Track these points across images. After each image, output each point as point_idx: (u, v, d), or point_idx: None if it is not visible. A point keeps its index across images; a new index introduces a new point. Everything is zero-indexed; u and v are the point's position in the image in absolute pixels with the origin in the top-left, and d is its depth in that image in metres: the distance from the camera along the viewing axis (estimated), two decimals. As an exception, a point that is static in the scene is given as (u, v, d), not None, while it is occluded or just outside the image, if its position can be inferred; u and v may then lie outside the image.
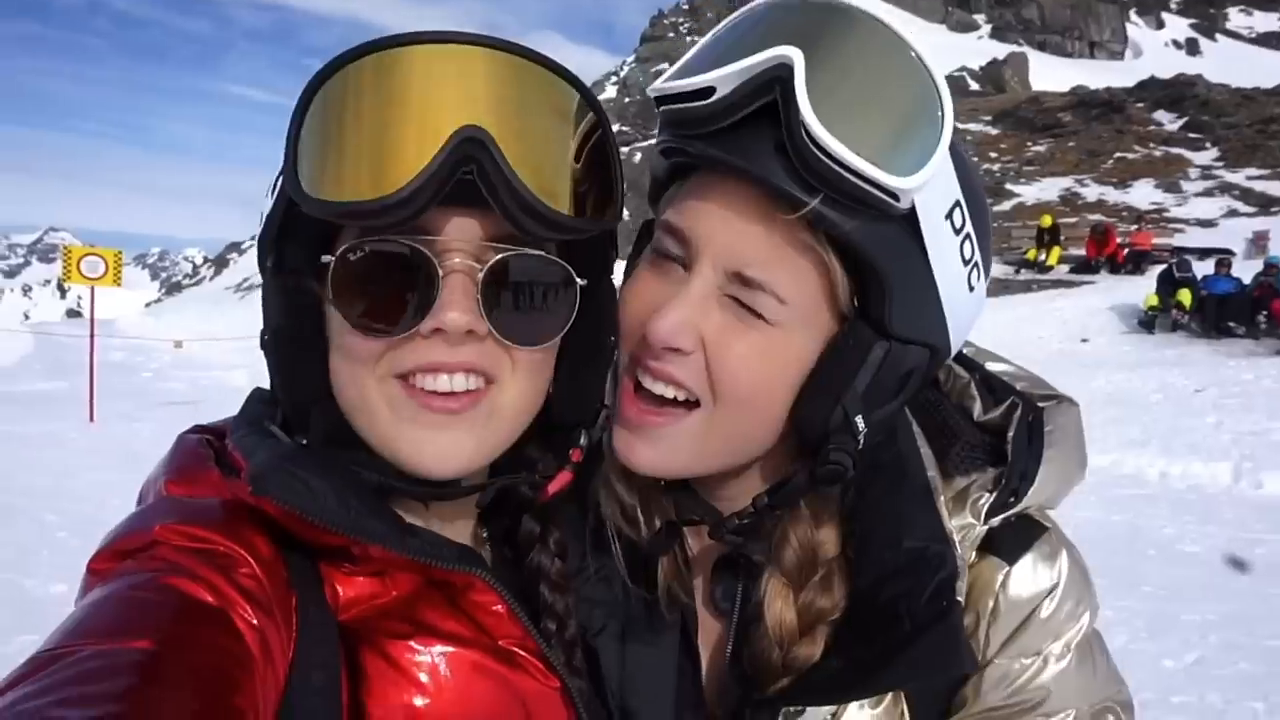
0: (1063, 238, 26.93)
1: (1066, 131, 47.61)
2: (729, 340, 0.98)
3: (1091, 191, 37.93)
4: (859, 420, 0.98)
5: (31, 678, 0.61)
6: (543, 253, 0.91)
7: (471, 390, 0.89)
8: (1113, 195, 37.06)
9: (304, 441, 0.92)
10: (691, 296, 0.98)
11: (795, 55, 0.87)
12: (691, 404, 1.01)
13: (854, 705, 1.03)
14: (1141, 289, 20.86)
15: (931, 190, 0.92)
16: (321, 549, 0.86)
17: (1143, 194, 36.51)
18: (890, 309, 0.95)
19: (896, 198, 0.89)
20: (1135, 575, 6.70)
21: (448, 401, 0.87)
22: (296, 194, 0.82)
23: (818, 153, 0.87)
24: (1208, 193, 35.49)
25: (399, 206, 0.79)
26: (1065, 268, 26.21)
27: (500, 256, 0.87)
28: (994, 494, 1.07)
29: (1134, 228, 28.03)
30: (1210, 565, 7.14)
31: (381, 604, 0.88)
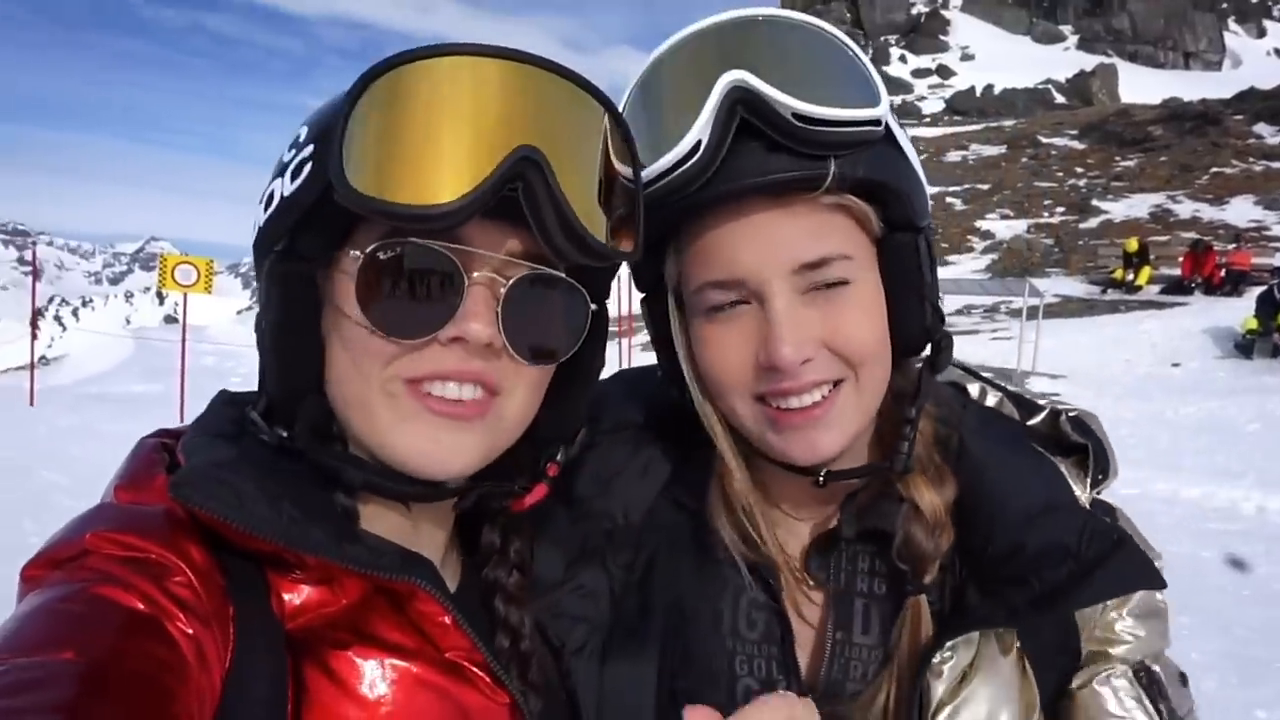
0: (1153, 256, 25.82)
1: (1158, 145, 45.74)
2: (837, 323, 1.05)
3: (1185, 208, 36.32)
4: (939, 303, 1.13)
5: None
6: (563, 274, 0.92)
7: (477, 399, 0.89)
8: (1208, 212, 35.41)
9: (284, 434, 0.90)
10: (783, 315, 1.03)
11: (740, 73, 0.98)
12: (837, 383, 1.08)
13: (995, 653, 1.08)
14: (1238, 311, 19.81)
15: (886, 105, 1.05)
16: (263, 557, 0.85)
17: (1240, 211, 34.79)
18: (912, 209, 1.08)
19: (879, 123, 1.03)
20: (1227, 617, 6.33)
21: (453, 406, 0.87)
22: (341, 186, 0.80)
23: (814, 130, 0.98)
24: (1312, 210, 33.60)
25: (447, 218, 0.80)
26: (1156, 288, 25.13)
27: (524, 274, 0.88)
28: (1088, 474, 1.17)
29: (1231, 246, 26.56)
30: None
31: (329, 613, 0.87)
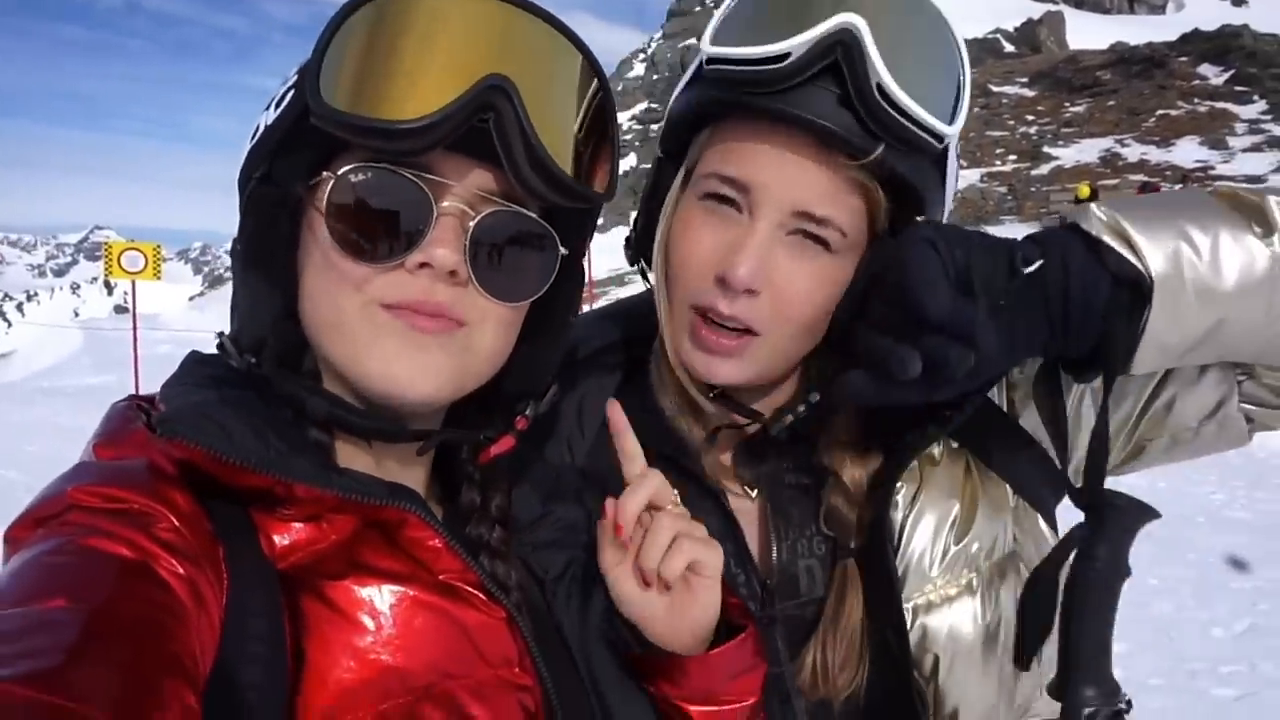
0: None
1: (1106, 90, 46.38)
2: (794, 278, 1.09)
3: (1133, 151, 36.95)
4: None
5: None
6: (534, 215, 0.92)
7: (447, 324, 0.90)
8: (1155, 155, 36.08)
9: (254, 360, 0.92)
10: (761, 240, 1.07)
11: (860, 22, 1.00)
12: (753, 333, 1.11)
13: (937, 470, 1.20)
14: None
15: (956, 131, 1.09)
16: (250, 496, 0.85)
17: (1187, 152, 35.51)
18: None
19: (941, 140, 1.06)
20: (1182, 542, 6.56)
21: (428, 321, 0.88)
22: (315, 102, 0.81)
23: (886, 106, 1.01)
24: (1256, 148, 34.39)
25: (415, 134, 0.81)
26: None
27: (494, 209, 0.89)
28: None
29: (1178, 187, 27.22)
30: (1263, 531, 6.97)
31: (320, 549, 0.87)
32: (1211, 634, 5.16)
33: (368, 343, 0.88)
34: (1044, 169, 35.13)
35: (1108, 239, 0.97)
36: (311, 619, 0.83)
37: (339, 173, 0.86)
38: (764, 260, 1.08)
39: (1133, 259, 0.96)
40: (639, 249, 1.28)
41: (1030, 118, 44.26)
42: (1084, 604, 1.02)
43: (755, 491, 1.28)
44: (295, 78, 0.90)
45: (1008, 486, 1.23)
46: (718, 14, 1.14)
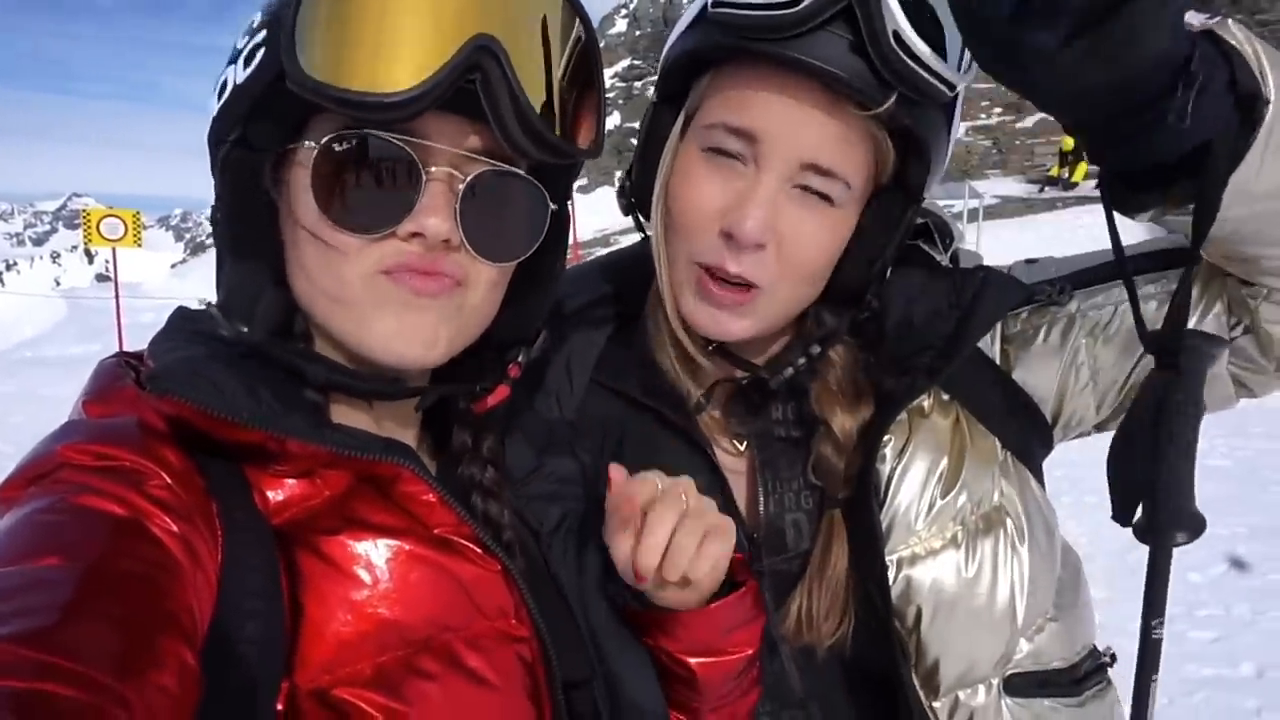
0: (1089, 153, 26.12)
1: (1093, 41, 45.84)
2: (800, 231, 1.09)
3: (1119, 103, 36.67)
4: (887, 272, 1.18)
5: None
6: (522, 172, 0.91)
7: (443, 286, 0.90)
8: (1142, 106, 35.81)
9: (244, 329, 0.90)
10: (768, 193, 1.06)
11: None
12: (757, 288, 1.12)
13: (928, 423, 1.20)
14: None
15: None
16: (243, 453, 0.85)
17: (1173, 103, 35.22)
18: (925, 179, 1.12)
19: (953, 88, 1.04)
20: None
21: (429, 282, 0.88)
22: (294, 72, 0.79)
23: (902, 54, 0.98)
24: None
25: (402, 106, 0.79)
26: (1092, 183, 25.45)
27: (482, 170, 0.88)
28: (937, 242, 1.29)
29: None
30: (1240, 479, 7.07)
31: (314, 505, 0.87)
32: (1188, 579, 5.28)
33: (370, 313, 0.88)
34: (1029, 121, 34.90)
35: (1242, 49, 0.89)
36: (307, 574, 0.83)
37: (322, 141, 0.84)
38: (771, 215, 1.07)
39: (1258, 76, 0.89)
40: (635, 198, 1.25)
41: (1016, 70, 43.84)
42: (1173, 444, 0.99)
43: (744, 445, 1.28)
44: (264, 34, 0.86)
45: (996, 440, 1.23)
46: None
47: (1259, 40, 0.93)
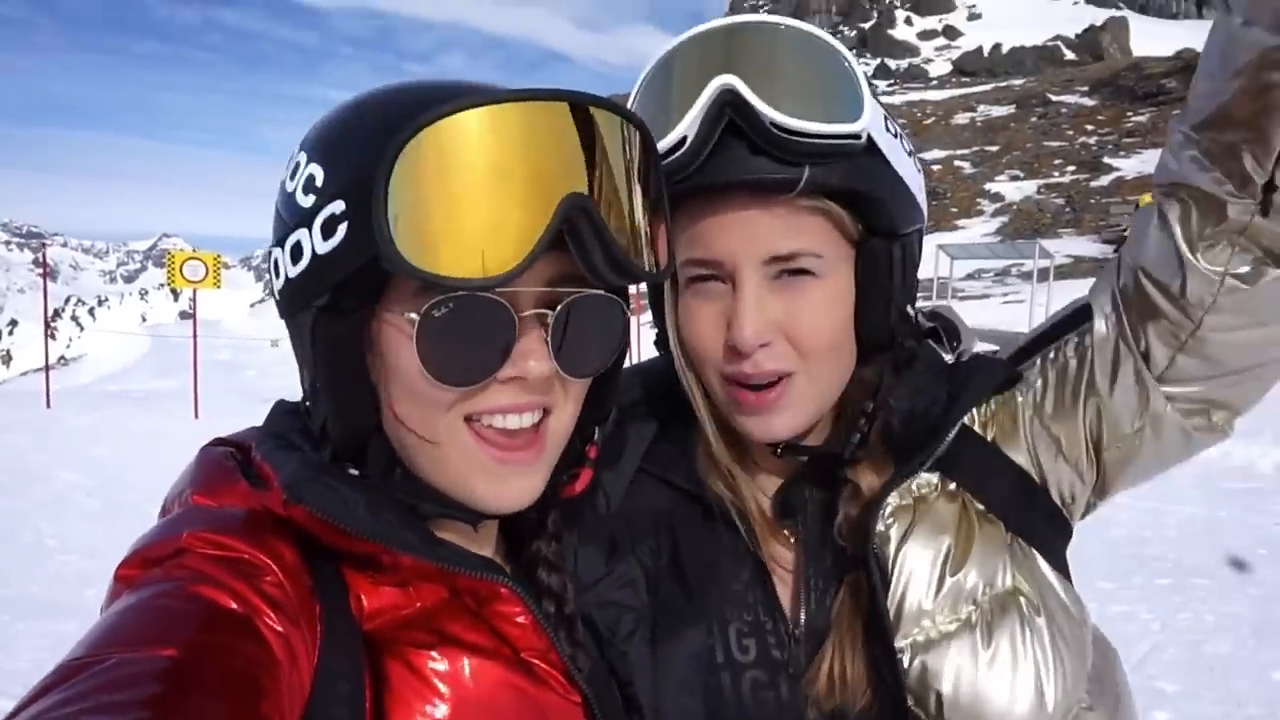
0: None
1: (1171, 99, 44.99)
2: (798, 311, 1.14)
3: (1200, 162, 35.69)
4: (909, 309, 1.23)
5: (58, 687, 0.62)
6: (602, 291, 0.93)
7: (535, 425, 0.92)
8: (1224, 165, 34.79)
9: (355, 473, 0.92)
10: (751, 299, 1.13)
11: (732, 79, 1.07)
12: (788, 375, 1.16)
13: (933, 509, 1.19)
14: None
15: (872, 119, 1.11)
16: (348, 558, 0.87)
17: (1257, 163, 34.14)
18: (889, 217, 1.16)
19: (858, 137, 1.10)
20: (1242, 577, 6.31)
21: (514, 449, 0.90)
22: (396, 260, 0.78)
23: (791, 139, 1.06)
24: (1332, 159, 32.94)
25: (508, 279, 0.80)
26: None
27: (569, 299, 0.89)
28: (944, 344, 1.33)
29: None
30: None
31: (405, 614, 0.89)
32: (1271, 677, 4.94)
33: (462, 470, 0.90)
34: (1104, 180, 34.23)
35: None
36: (395, 684, 0.85)
37: (423, 311, 0.83)
38: (761, 312, 1.12)
39: None
40: (658, 340, 1.32)
41: (1090, 127, 43.17)
42: None
43: (794, 540, 1.28)
44: (341, 204, 0.84)
45: (1002, 524, 1.22)
46: None
47: None
